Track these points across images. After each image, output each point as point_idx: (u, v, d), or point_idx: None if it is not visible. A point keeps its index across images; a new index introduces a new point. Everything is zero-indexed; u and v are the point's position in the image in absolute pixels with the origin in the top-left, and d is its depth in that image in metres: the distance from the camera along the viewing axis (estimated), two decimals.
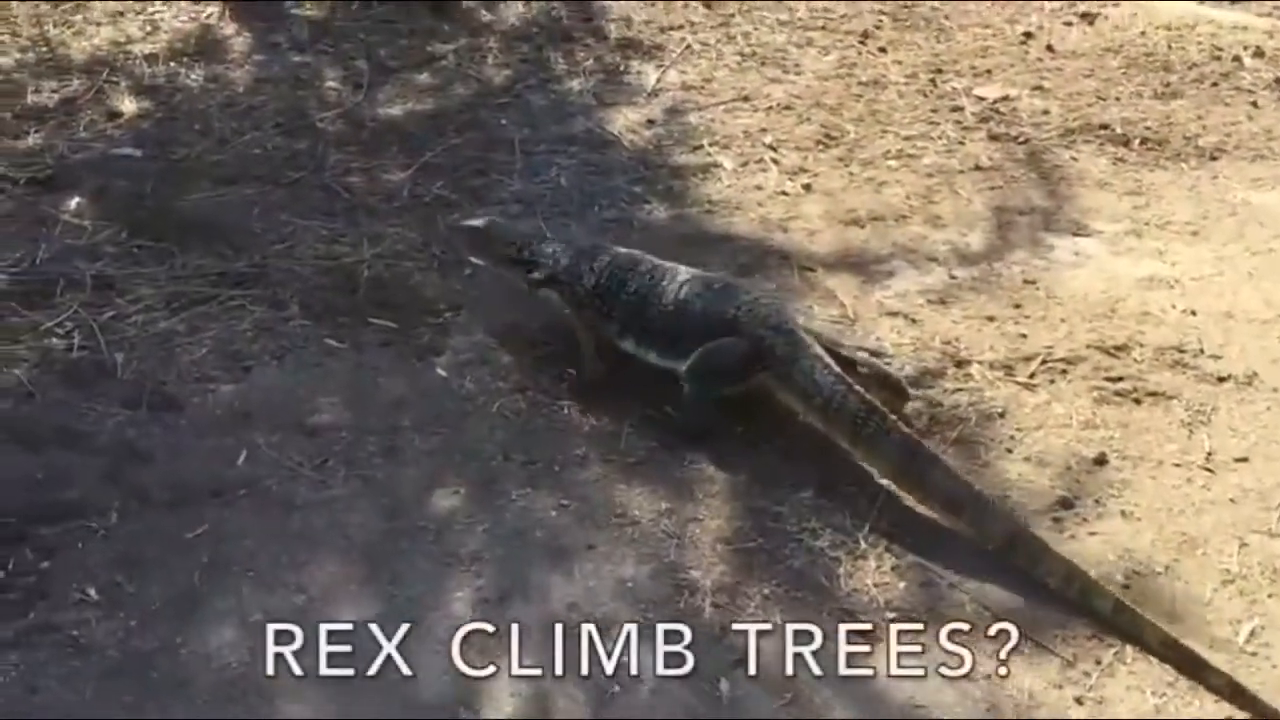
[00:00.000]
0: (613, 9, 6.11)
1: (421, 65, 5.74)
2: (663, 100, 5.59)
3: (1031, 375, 4.18)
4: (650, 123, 5.44)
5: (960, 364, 4.21)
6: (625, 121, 5.44)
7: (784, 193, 5.04)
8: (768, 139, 5.34)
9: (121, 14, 5.95)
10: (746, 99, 5.60)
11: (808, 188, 5.07)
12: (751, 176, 5.14)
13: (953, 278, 4.62)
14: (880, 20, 6.20)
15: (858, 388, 3.69)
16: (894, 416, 3.63)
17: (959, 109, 5.56)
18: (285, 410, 4.01)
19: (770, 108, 5.54)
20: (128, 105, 5.40)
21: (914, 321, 4.39)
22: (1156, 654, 3.30)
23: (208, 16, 5.93)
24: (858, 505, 3.72)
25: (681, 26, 6.08)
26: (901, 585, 3.52)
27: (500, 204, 4.89)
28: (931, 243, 4.80)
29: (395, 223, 4.79)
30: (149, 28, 5.88)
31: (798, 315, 4.14)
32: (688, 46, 5.94)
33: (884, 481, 3.72)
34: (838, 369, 3.74)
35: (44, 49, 5.73)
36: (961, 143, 5.36)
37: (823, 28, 6.13)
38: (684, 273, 4.02)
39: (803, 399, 3.77)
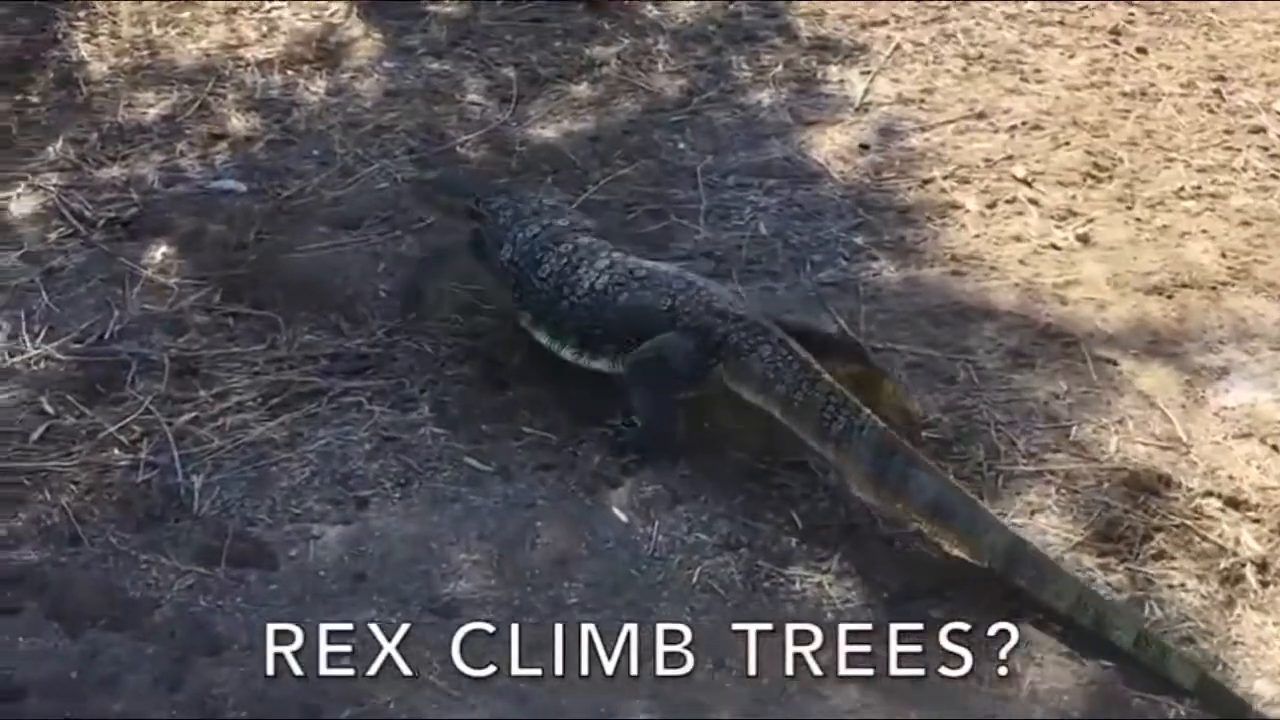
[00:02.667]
0: (800, 4, 4.59)
1: (579, 73, 4.28)
2: (875, 117, 4.06)
3: None
4: (864, 148, 3.91)
5: None
6: (832, 145, 3.93)
7: (1053, 246, 3.49)
8: (1018, 170, 3.79)
9: (235, 11, 4.56)
10: (981, 115, 4.04)
11: (1084, 239, 3.51)
12: (1005, 222, 3.60)
13: None
14: (1131, 14, 4.54)
15: (826, 375, 2.81)
16: (869, 410, 2.72)
17: (1259, 130, 3.92)
18: (410, 572, 2.62)
19: (1014, 127, 3.97)
20: (235, 124, 4.05)
21: (1276, 450, 2.85)
22: (1190, 694, 2.46)
23: (332, 15, 4.53)
24: None
25: (886, 22, 4.51)
26: None
27: (687, 259, 3.45)
28: (1271, 324, 3.21)
29: None
30: (265, 28, 4.50)
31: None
32: (896, 47, 4.39)
33: None
34: (804, 353, 2.84)
35: (145, 53, 4.41)
36: (1275, 176, 3.74)
37: (1060, 23, 4.51)
38: (606, 257, 3.10)
39: (762, 391, 2.86)
